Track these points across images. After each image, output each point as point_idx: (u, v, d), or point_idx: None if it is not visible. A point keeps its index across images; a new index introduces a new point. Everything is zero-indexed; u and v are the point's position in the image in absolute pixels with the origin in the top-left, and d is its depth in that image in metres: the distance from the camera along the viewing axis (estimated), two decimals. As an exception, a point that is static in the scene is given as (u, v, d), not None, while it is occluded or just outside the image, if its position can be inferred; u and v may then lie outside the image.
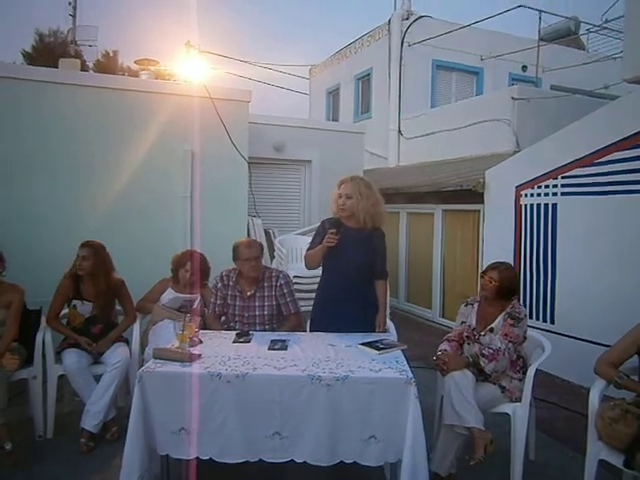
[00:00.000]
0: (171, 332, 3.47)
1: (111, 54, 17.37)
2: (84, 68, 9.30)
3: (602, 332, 4.08)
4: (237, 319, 3.51)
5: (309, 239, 3.47)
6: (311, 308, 3.50)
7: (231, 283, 3.54)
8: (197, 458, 2.49)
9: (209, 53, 12.12)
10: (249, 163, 5.85)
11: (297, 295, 3.74)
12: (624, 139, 4.31)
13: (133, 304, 3.84)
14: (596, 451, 2.58)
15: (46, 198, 4.93)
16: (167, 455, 2.61)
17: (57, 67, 6.07)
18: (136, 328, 3.76)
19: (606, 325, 4.05)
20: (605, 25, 9.71)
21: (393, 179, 8.41)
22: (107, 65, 16.12)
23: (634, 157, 4.23)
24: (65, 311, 3.66)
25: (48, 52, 14.01)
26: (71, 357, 3.39)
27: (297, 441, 2.45)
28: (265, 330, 3.46)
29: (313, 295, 3.54)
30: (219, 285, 3.57)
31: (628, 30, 4.90)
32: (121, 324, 3.79)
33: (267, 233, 6.61)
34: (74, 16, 10.56)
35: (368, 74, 11.54)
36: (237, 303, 3.51)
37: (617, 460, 2.45)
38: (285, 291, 3.53)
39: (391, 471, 2.75)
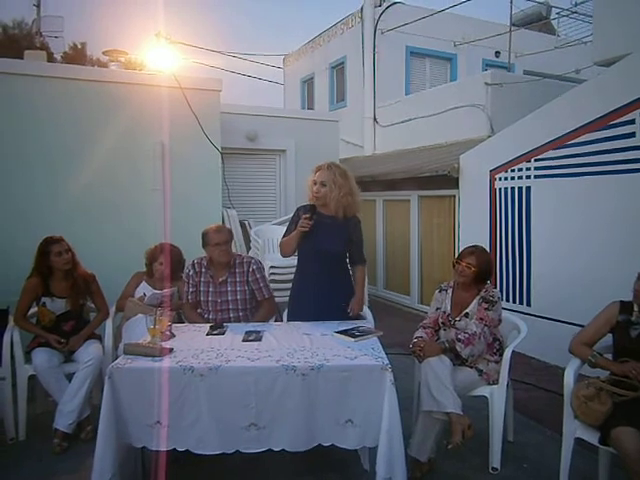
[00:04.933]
0: (144, 327, 3.38)
1: (79, 46, 16.96)
2: (51, 60, 9.02)
3: (577, 313, 4.13)
4: (210, 307, 3.48)
5: (285, 229, 3.43)
6: (287, 299, 3.47)
7: (203, 270, 3.52)
8: (175, 452, 2.45)
9: (180, 43, 11.89)
10: (222, 154, 5.76)
11: (273, 285, 3.72)
12: (593, 121, 4.34)
13: (105, 299, 3.76)
14: (572, 430, 2.61)
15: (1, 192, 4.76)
16: (142, 452, 2.57)
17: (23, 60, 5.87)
18: (109, 324, 3.68)
19: (580, 305, 4.09)
20: (575, 9, 9.79)
21: (369, 167, 8.38)
22: (75, 57, 15.74)
23: (604, 138, 4.27)
24: (34, 309, 3.55)
25: (13, 44, 13.60)
26: (41, 356, 3.30)
27: (274, 431, 2.42)
28: (239, 316, 3.44)
29: (289, 285, 3.50)
30: (191, 272, 3.54)
31: (598, 13, 4.94)
32: (94, 320, 3.71)
33: (242, 224, 6.53)
34: (38, 6, 10.22)
35: (342, 62, 11.46)
36: (210, 289, 3.48)
37: (593, 437, 2.47)
38: (258, 276, 3.51)
39: (370, 457, 2.74)
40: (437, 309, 3.22)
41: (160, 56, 9.33)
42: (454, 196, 6.10)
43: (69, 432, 3.22)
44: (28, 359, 3.38)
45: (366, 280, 5.57)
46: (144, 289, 3.92)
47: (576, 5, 9.48)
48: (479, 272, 3.05)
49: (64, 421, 3.20)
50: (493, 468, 2.92)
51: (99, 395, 3.48)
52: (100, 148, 5.07)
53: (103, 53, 7.80)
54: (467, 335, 2.93)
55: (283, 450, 2.45)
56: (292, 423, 2.42)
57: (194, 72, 12.65)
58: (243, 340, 2.82)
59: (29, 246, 3.54)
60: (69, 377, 3.33)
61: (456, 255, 3.25)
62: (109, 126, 5.10)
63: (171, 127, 5.32)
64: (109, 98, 5.14)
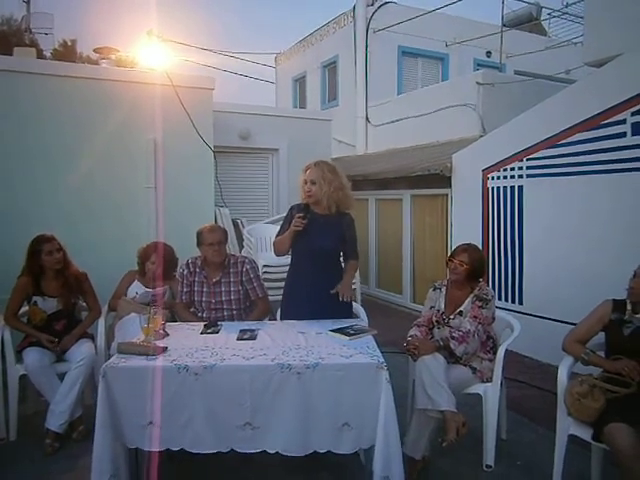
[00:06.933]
0: (137, 326, 3.36)
1: (69, 43, 16.82)
2: (41, 57, 8.93)
3: (569, 311, 4.15)
4: (204, 306, 3.46)
5: (278, 228, 3.42)
6: (281, 297, 3.46)
7: (197, 269, 3.50)
8: (170, 450, 2.43)
9: (172, 41, 11.82)
10: (215, 152, 5.74)
11: (267, 284, 3.70)
12: (586, 120, 4.37)
13: (97, 298, 3.73)
14: (565, 426, 2.62)
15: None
16: (137, 452, 2.55)
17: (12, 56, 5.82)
18: (101, 323, 3.65)
19: (573, 304, 4.11)
20: (565, 10, 9.86)
21: (361, 166, 8.38)
22: (65, 54, 15.57)
23: (596, 138, 4.30)
24: (25, 308, 3.52)
25: (1, 40, 13.46)
26: (32, 356, 3.27)
27: (269, 431, 2.40)
28: (233, 314, 3.43)
29: (282, 284, 3.49)
30: (185, 272, 3.52)
31: (588, 13, 4.97)
32: (86, 319, 3.67)
33: (235, 223, 6.51)
34: (28, 2, 10.11)
35: (334, 61, 11.46)
36: (204, 290, 3.47)
37: (586, 434, 2.49)
38: (252, 276, 3.50)
39: (365, 456, 2.74)
40: (431, 307, 3.23)
41: (152, 54, 9.27)
42: (446, 195, 6.12)
43: (61, 432, 3.19)
44: (19, 359, 3.34)
45: (358, 277, 5.60)
46: (136, 288, 3.90)
47: (567, 6, 9.57)
48: (472, 269, 3.06)
49: (56, 421, 3.17)
50: (487, 465, 2.94)
51: (91, 395, 3.49)
52: (98, 144, 5.08)
53: (94, 50, 7.70)
54: (461, 333, 2.94)
55: (277, 452, 2.43)
56: (287, 423, 2.40)
57: (186, 70, 12.62)
58: (237, 339, 2.81)
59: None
60: (61, 377, 3.30)
61: (449, 254, 3.26)
62: (106, 122, 5.12)
63: (164, 124, 5.32)
64: (105, 95, 5.15)
